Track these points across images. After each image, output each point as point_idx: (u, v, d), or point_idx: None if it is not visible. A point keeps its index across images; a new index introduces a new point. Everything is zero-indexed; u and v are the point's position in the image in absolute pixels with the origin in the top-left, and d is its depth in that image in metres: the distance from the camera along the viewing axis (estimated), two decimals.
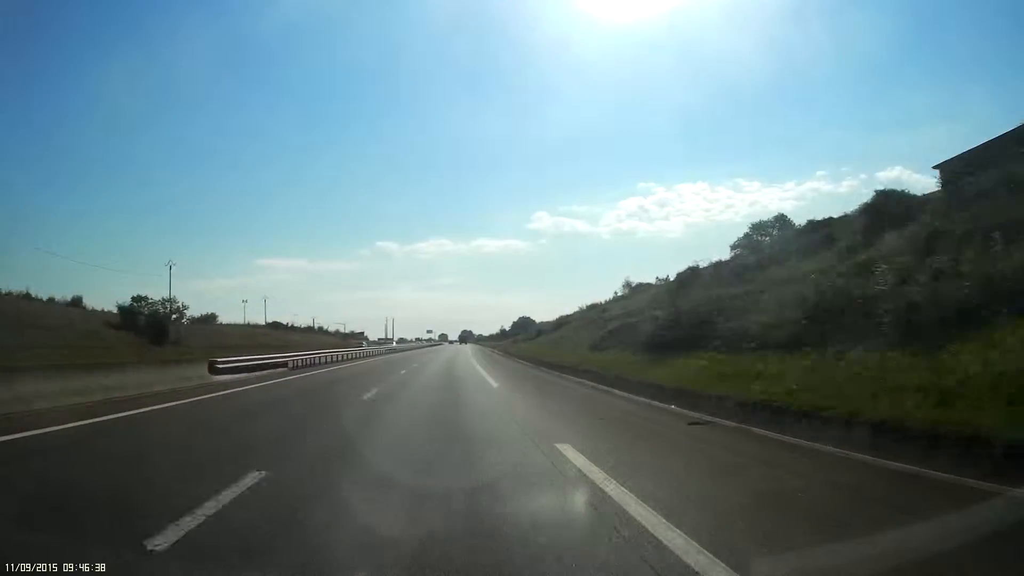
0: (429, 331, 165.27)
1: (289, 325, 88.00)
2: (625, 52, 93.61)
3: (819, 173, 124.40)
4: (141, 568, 3.55)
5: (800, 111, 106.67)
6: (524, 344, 64.71)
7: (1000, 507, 4.65)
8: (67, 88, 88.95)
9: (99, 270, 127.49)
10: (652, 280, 50.11)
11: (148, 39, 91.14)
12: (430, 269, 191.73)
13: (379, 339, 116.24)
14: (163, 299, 46.96)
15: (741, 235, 36.37)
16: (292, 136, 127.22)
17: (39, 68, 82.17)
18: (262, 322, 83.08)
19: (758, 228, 35.24)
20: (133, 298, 43.33)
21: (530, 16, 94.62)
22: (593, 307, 54.44)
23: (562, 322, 61.48)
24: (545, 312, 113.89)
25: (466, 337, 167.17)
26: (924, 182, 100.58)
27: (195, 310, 60.33)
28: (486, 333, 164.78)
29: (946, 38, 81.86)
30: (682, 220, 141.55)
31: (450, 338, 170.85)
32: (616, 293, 56.99)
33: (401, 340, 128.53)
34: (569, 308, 66.42)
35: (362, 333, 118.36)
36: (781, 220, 35.01)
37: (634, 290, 50.19)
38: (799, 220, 31.22)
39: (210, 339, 44.83)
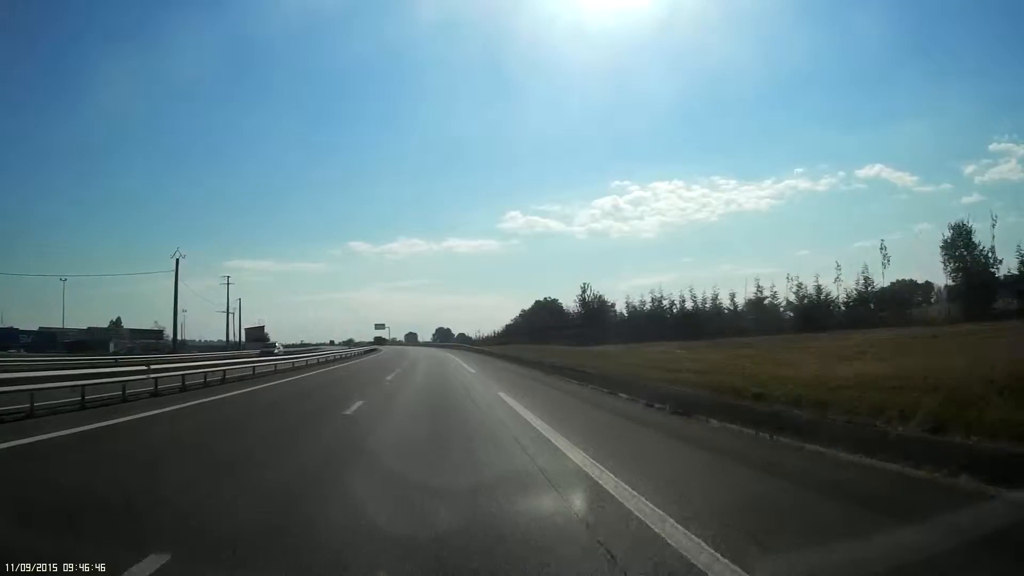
0: (379, 325, 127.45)
1: None
2: (599, 50, 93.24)
3: (797, 171, 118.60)
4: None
5: (778, 107, 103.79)
6: None
7: None
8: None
9: None
10: None
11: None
12: (402, 269, 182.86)
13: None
14: None
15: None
16: (265, 137, 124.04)
17: None
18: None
19: None
20: None
21: (503, 16, 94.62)
22: None
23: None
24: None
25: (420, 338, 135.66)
26: (904, 179, 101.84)
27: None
28: (470, 333, 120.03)
29: (925, 35, 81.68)
30: (657, 219, 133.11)
31: (420, 339, 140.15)
32: None
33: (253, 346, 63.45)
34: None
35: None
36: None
37: None
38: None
39: None
